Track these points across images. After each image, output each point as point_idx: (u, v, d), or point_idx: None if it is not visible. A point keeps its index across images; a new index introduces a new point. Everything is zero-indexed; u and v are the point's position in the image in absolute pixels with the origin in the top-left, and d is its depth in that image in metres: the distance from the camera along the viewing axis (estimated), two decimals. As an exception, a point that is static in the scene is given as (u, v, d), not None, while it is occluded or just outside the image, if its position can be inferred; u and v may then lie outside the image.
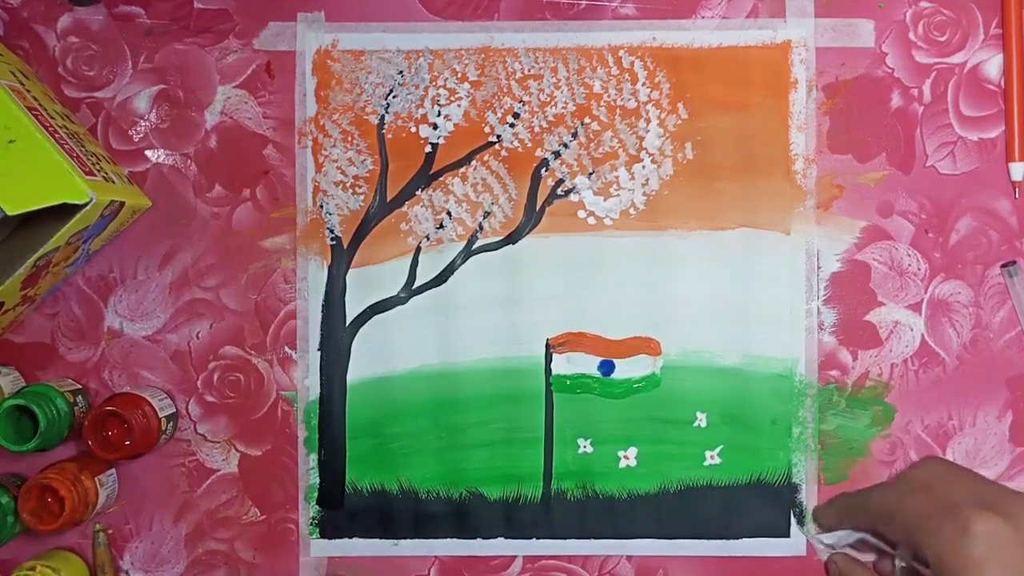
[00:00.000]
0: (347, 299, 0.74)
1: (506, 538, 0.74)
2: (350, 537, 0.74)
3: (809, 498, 0.73)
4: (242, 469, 0.74)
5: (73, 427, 0.70)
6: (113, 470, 0.72)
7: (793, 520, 0.72)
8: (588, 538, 0.74)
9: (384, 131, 0.74)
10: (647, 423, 0.74)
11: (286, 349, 0.74)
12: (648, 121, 0.73)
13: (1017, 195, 0.73)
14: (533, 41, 0.73)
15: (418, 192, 0.74)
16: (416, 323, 0.73)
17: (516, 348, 0.73)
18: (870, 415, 0.74)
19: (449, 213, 0.74)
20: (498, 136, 0.73)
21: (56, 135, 0.65)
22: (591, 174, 0.73)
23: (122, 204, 0.68)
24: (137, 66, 0.73)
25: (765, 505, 0.73)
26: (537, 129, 0.73)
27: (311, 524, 0.74)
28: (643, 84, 0.73)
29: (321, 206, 0.74)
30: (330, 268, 0.74)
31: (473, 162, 0.74)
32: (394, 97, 0.73)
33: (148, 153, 0.74)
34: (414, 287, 0.74)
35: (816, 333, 0.74)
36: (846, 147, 0.74)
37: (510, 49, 0.73)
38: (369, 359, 0.74)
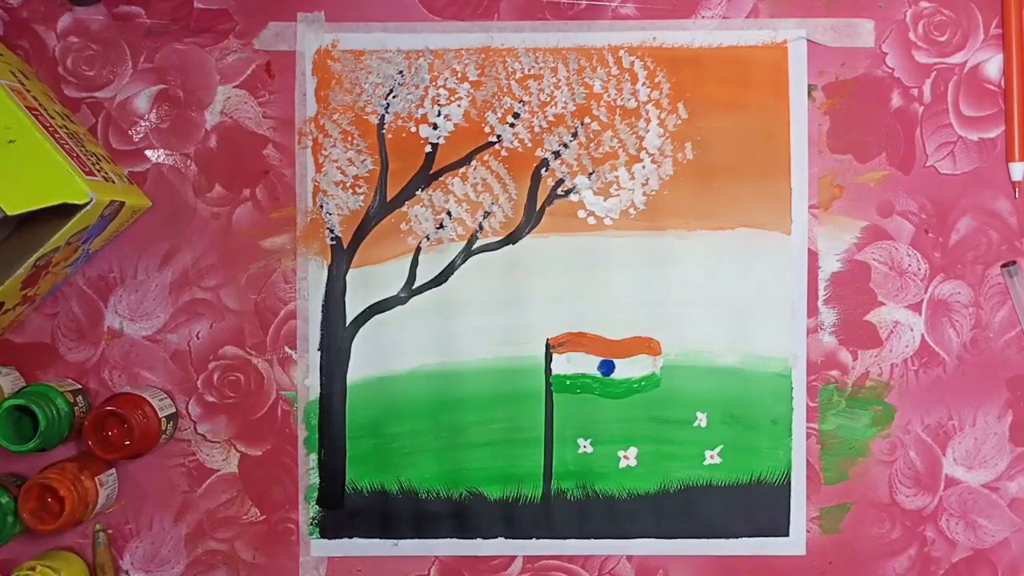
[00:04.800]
0: (347, 299, 0.74)
1: (506, 538, 0.74)
2: (350, 537, 0.74)
3: (807, 498, 0.74)
4: (242, 469, 0.74)
5: (73, 427, 0.70)
6: (113, 470, 0.72)
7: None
8: (588, 538, 0.74)
9: (384, 131, 0.74)
10: (647, 423, 0.74)
11: (286, 349, 0.74)
12: (648, 121, 0.73)
13: (1017, 195, 0.73)
14: (533, 41, 0.73)
15: (418, 192, 0.74)
16: (416, 323, 0.73)
17: (516, 348, 0.73)
18: (870, 415, 0.74)
19: (449, 213, 0.74)
20: (498, 136, 0.73)
21: (56, 135, 0.65)
22: (591, 174, 0.73)
23: (122, 204, 0.68)
24: (137, 66, 0.73)
25: (765, 505, 0.73)
26: (537, 129, 0.73)
27: (311, 524, 0.74)
28: (643, 84, 0.73)
29: (321, 206, 0.74)
30: (330, 268, 0.74)
31: (473, 162, 0.74)
32: (394, 97, 0.73)
33: (148, 153, 0.74)
34: (414, 287, 0.74)
35: (816, 333, 0.74)
36: (846, 147, 0.74)
37: (510, 49, 0.73)
38: (369, 359, 0.74)
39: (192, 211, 0.74)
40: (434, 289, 0.74)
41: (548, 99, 0.73)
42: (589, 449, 0.74)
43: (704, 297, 0.73)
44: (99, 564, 0.73)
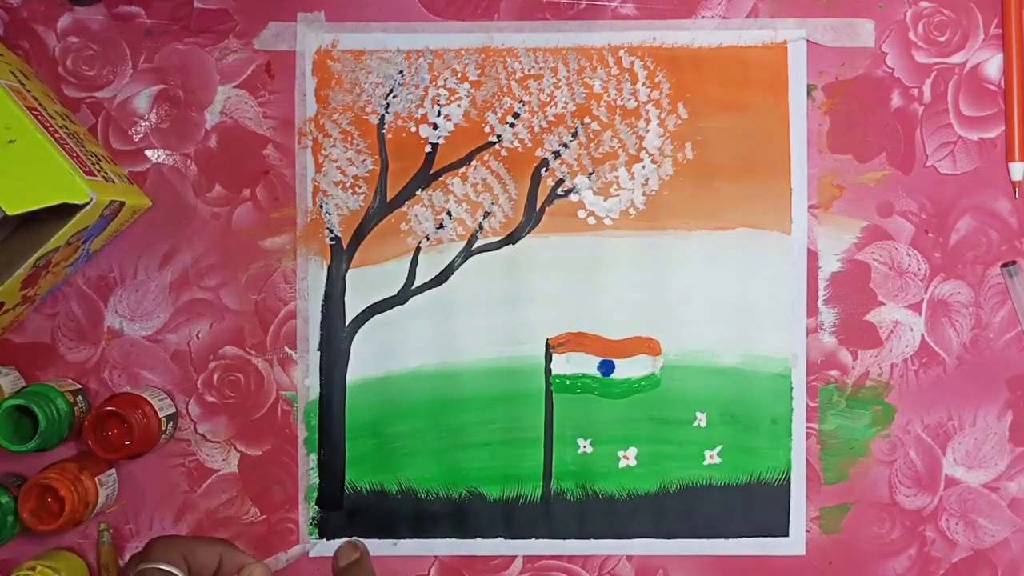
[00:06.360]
0: (347, 299, 0.74)
1: (506, 538, 0.74)
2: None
3: (807, 498, 0.74)
4: (242, 469, 0.74)
5: (73, 427, 0.70)
6: (113, 470, 0.72)
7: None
8: (588, 538, 0.74)
9: (384, 131, 0.74)
10: (647, 423, 0.74)
11: (286, 349, 0.74)
12: (648, 121, 0.73)
13: (1017, 195, 0.73)
14: (533, 41, 0.73)
15: (418, 192, 0.74)
16: (416, 323, 0.73)
17: (516, 348, 0.73)
18: (870, 415, 0.74)
19: (449, 213, 0.74)
20: (498, 136, 0.73)
21: (56, 135, 0.65)
22: (591, 174, 0.73)
23: (122, 204, 0.68)
24: (137, 66, 0.73)
25: (765, 505, 0.73)
26: (537, 129, 0.73)
27: (311, 524, 0.74)
28: (643, 84, 0.73)
29: (321, 206, 0.74)
30: (330, 268, 0.74)
31: (473, 162, 0.74)
32: (394, 97, 0.73)
33: (148, 153, 0.74)
34: (414, 287, 0.74)
35: (816, 333, 0.74)
36: (846, 147, 0.74)
37: (510, 49, 0.73)
38: (369, 359, 0.74)
39: (192, 211, 0.74)
40: (434, 289, 0.74)
41: (548, 99, 0.73)
42: (589, 449, 0.74)
43: (704, 297, 0.73)
44: (103, 564, 0.73)
